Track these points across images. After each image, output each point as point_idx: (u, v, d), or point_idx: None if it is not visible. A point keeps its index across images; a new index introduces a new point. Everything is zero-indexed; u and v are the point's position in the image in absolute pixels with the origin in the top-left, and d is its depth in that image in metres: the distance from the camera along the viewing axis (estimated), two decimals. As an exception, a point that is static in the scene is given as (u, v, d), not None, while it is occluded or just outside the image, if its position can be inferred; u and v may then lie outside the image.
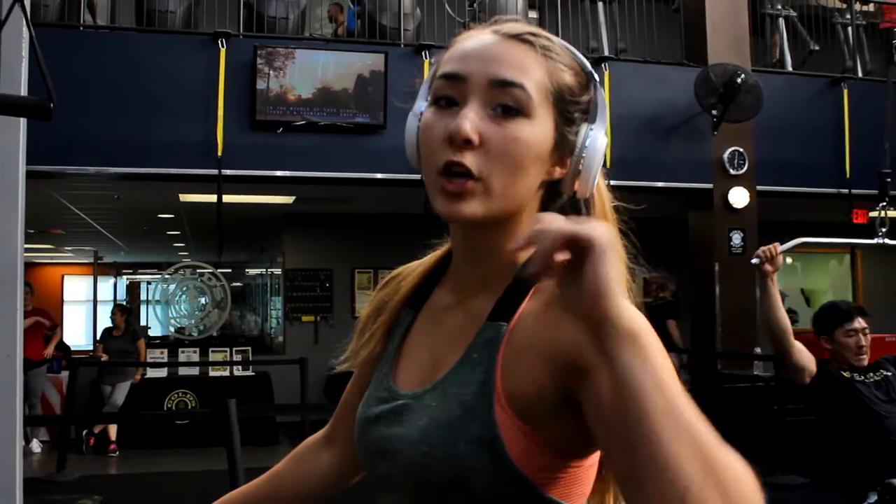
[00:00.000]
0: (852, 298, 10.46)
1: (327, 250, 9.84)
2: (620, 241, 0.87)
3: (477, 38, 0.85)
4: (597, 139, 0.84)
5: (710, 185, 7.34)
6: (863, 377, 3.02)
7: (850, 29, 8.15)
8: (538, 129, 0.82)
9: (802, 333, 3.08)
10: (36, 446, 7.75)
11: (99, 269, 14.50)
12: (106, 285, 15.37)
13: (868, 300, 9.98)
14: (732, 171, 7.32)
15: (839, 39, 8.23)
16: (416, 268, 0.99)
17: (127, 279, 16.70)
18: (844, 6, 8.40)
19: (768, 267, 2.79)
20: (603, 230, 0.65)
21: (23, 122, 2.87)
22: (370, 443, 0.89)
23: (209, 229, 7.99)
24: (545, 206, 0.89)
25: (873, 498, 2.81)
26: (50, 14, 6.23)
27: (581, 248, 0.65)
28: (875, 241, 3.88)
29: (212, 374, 8.38)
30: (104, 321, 9.81)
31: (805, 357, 2.88)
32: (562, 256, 0.65)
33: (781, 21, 8.08)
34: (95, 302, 13.93)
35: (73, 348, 10.34)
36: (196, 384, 8.20)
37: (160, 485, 6.48)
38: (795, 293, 10.66)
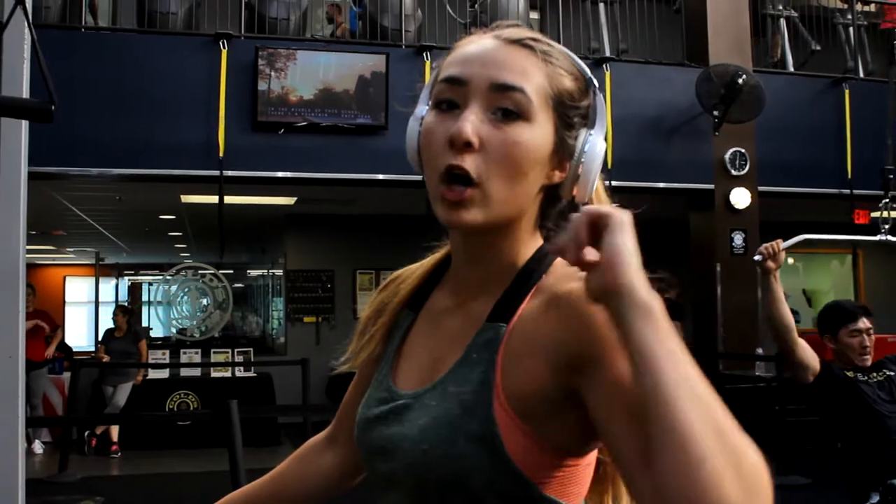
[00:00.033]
0: (854, 299, 10.45)
1: (329, 251, 9.84)
2: None
3: (478, 43, 0.86)
4: (596, 144, 0.85)
5: (711, 186, 7.34)
6: (866, 377, 3.02)
7: (851, 29, 8.15)
8: (538, 133, 0.83)
9: (804, 333, 3.07)
10: (38, 447, 7.76)
11: (101, 270, 14.51)
12: (108, 286, 15.38)
13: (870, 301, 9.96)
14: (734, 172, 7.32)
15: (840, 40, 8.23)
16: (415, 270, 1.00)
17: (129, 280, 16.70)
18: (845, 6, 8.40)
19: (771, 264, 2.80)
20: (620, 211, 0.70)
21: (25, 123, 2.87)
22: (370, 442, 0.89)
23: (211, 230, 8.00)
24: (544, 211, 0.90)
25: (875, 498, 2.81)
26: (51, 16, 6.24)
27: (600, 226, 0.69)
28: (878, 237, 3.88)
29: (213, 375, 8.38)
30: (106, 322, 9.82)
31: (809, 355, 2.88)
32: (586, 235, 0.70)
33: (783, 21, 8.08)
34: (97, 303, 13.93)
35: (74, 349, 10.34)
36: (198, 385, 8.20)
37: (162, 486, 6.48)
38: (797, 293, 10.65)
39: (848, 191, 7.54)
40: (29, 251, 3.16)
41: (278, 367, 8.47)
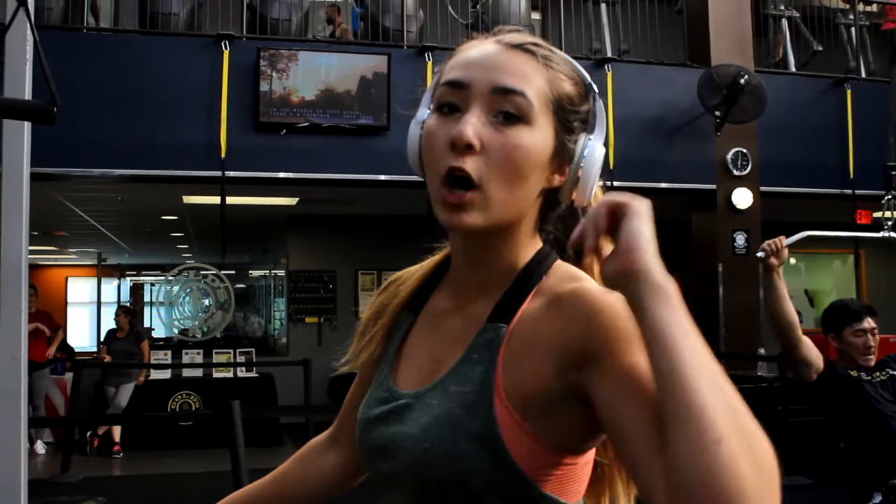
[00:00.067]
0: (856, 299, 10.43)
1: (331, 252, 9.85)
2: None
3: (480, 48, 0.87)
4: (595, 149, 0.86)
5: (713, 186, 7.34)
6: (870, 377, 3.01)
7: (853, 29, 8.14)
8: (538, 137, 0.84)
9: (806, 333, 3.06)
10: (40, 448, 7.76)
11: (103, 270, 14.53)
12: (110, 287, 15.40)
13: (872, 301, 9.93)
14: (736, 172, 7.32)
15: (842, 40, 8.22)
16: (414, 272, 1.01)
17: (130, 281, 16.73)
18: (847, 6, 8.39)
19: (774, 260, 2.80)
20: (639, 199, 0.72)
21: (27, 124, 2.88)
22: (371, 442, 0.90)
23: (213, 231, 8.02)
24: (544, 215, 0.91)
25: (878, 498, 2.80)
26: (53, 17, 6.25)
27: (619, 214, 0.71)
28: (881, 234, 3.87)
29: (215, 375, 8.38)
30: (108, 323, 9.82)
31: (812, 353, 2.88)
32: (605, 222, 0.72)
33: (784, 21, 8.08)
34: (99, 304, 13.95)
35: (76, 350, 10.36)
36: (200, 386, 8.21)
37: (164, 486, 6.48)
38: (799, 294, 10.64)
39: (850, 191, 7.54)
40: (31, 252, 3.17)
41: (280, 367, 8.47)
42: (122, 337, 8.03)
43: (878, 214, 5.18)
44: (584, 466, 0.84)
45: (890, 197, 4.49)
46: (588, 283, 0.83)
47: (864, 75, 8.00)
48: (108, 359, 7.91)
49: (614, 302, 0.77)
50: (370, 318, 1.01)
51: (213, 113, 6.24)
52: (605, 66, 6.96)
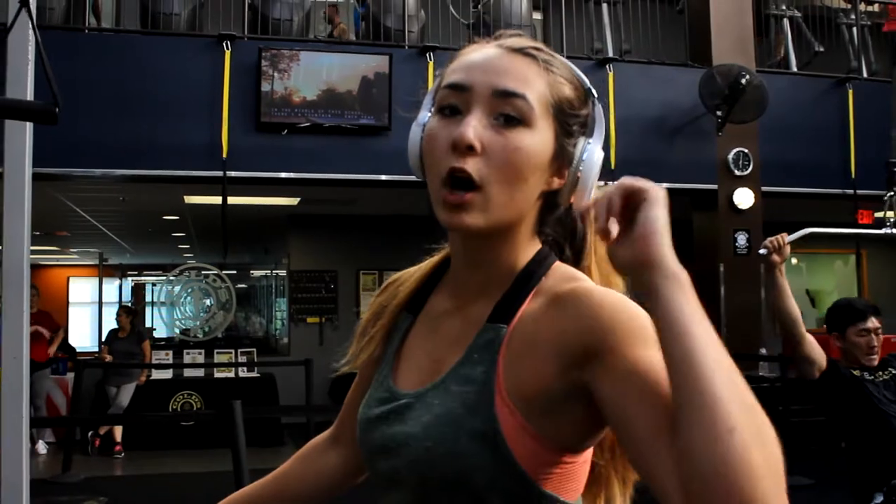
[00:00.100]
0: (858, 299, 10.40)
1: (332, 252, 9.85)
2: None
3: (481, 52, 0.88)
4: (594, 153, 0.87)
5: (714, 186, 7.33)
6: (872, 376, 3.01)
7: (854, 29, 8.14)
8: (538, 139, 0.84)
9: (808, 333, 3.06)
10: (41, 448, 7.77)
11: (104, 270, 14.52)
12: (111, 287, 15.39)
13: (873, 301, 9.93)
14: (737, 172, 7.32)
15: (844, 40, 8.22)
16: (413, 273, 1.02)
17: (132, 281, 16.74)
18: (849, 6, 8.39)
19: (776, 257, 2.80)
20: (656, 186, 0.73)
21: (29, 125, 2.88)
22: (372, 442, 0.90)
23: (214, 231, 8.02)
24: (543, 217, 0.91)
25: (879, 499, 2.80)
26: (55, 17, 6.25)
27: (636, 200, 0.72)
28: (883, 230, 3.87)
29: (217, 375, 8.39)
30: (109, 323, 9.83)
31: (816, 351, 2.88)
32: (619, 205, 0.72)
33: (786, 21, 8.07)
34: (101, 304, 13.94)
35: (78, 350, 10.36)
36: (201, 386, 8.21)
37: (165, 486, 6.49)
38: (801, 294, 10.63)
39: (851, 191, 7.53)
40: (33, 252, 3.17)
41: (281, 367, 8.47)
42: (124, 337, 8.04)
43: (879, 214, 5.17)
44: (582, 465, 0.85)
45: (892, 194, 4.46)
46: (587, 282, 0.84)
47: (865, 75, 7.99)
48: (109, 359, 7.92)
49: (613, 300, 0.78)
50: (369, 319, 1.02)
51: (215, 113, 6.24)
52: (607, 66, 6.96)
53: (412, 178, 0.93)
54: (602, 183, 0.90)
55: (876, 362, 3.03)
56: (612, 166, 6.48)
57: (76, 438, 7.39)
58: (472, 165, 0.82)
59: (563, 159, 0.87)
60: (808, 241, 3.35)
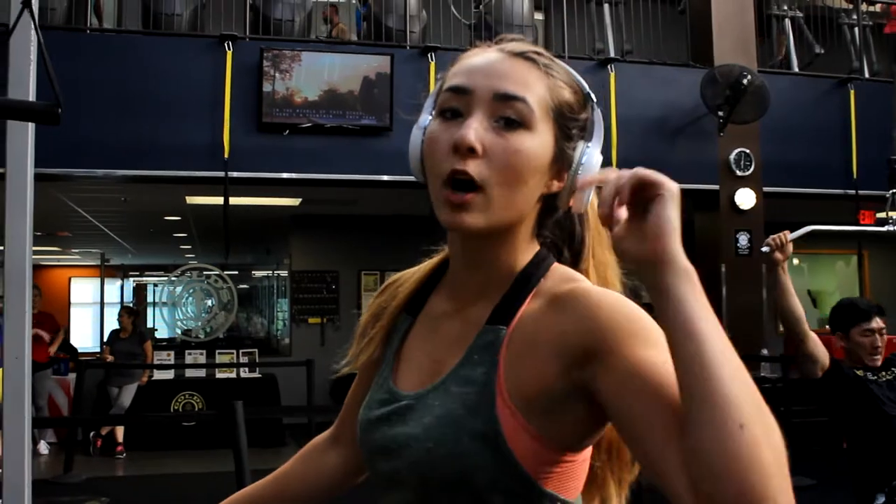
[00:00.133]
0: (860, 299, 10.39)
1: (333, 252, 9.86)
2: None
3: (482, 55, 0.89)
4: (592, 157, 0.88)
5: (716, 187, 7.33)
6: (875, 376, 3.01)
7: (856, 30, 8.13)
8: (538, 142, 0.85)
9: (810, 333, 3.06)
10: (43, 448, 7.78)
11: (106, 271, 14.54)
12: (113, 287, 15.41)
13: (875, 301, 9.92)
14: (739, 173, 7.31)
15: (845, 40, 8.21)
16: (412, 274, 1.02)
17: (134, 281, 16.76)
18: (851, 7, 8.38)
19: (778, 255, 2.80)
20: (671, 181, 0.72)
21: (31, 125, 2.88)
22: (373, 443, 0.91)
23: (216, 231, 8.02)
24: (542, 220, 0.92)
25: (881, 499, 2.80)
26: (56, 17, 6.25)
27: (649, 193, 0.71)
28: (886, 228, 3.86)
29: (218, 375, 8.40)
30: (111, 323, 9.85)
31: (819, 349, 2.88)
32: (628, 195, 0.71)
33: (787, 22, 8.07)
34: (102, 304, 13.97)
35: (80, 350, 10.37)
36: (203, 386, 8.22)
37: (167, 486, 6.49)
38: (802, 294, 10.56)
39: (853, 191, 7.52)
40: (34, 252, 3.17)
41: (283, 367, 8.48)
42: (126, 337, 8.05)
43: (881, 215, 5.16)
44: (582, 463, 0.85)
45: (895, 191, 4.45)
46: (585, 283, 0.85)
47: (867, 75, 7.98)
48: (111, 359, 7.92)
49: (612, 300, 0.79)
50: (369, 320, 1.02)
51: (217, 113, 6.24)
52: (608, 67, 6.96)
53: (413, 178, 0.93)
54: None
55: (879, 362, 3.03)
56: (614, 166, 6.48)
57: (78, 439, 7.39)
58: (473, 167, 0.83)
59: (562, 162, 0.88)
60: (810, 241, 3.34)
